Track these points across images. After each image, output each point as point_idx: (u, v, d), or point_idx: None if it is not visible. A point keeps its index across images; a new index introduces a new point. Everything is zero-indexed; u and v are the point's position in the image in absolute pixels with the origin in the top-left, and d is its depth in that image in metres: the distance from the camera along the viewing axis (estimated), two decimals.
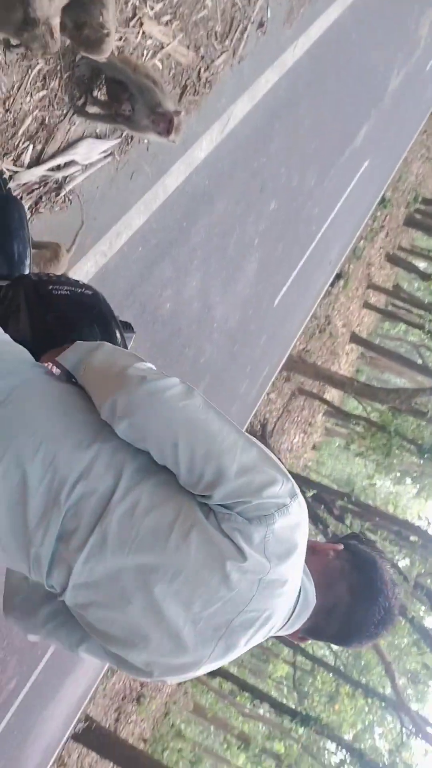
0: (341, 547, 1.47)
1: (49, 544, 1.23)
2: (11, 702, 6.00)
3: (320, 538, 14.49)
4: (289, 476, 1.27)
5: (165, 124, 3.03)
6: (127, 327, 2.79)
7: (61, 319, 2.17)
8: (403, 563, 17.29)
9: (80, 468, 1.23)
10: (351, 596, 1.40)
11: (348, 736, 18.13)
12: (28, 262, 2.58)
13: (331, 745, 18.70)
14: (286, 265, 8.65)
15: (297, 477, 14.47)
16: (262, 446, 1.30)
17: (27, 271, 2.57)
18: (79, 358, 1.41)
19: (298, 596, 1.33)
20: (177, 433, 1.21)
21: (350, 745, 17.10)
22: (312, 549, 1.41)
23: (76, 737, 10.75)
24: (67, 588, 1.25)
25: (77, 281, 2.36)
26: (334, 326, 17.80)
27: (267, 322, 8.91)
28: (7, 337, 1.50)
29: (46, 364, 1.64)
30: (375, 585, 1.41)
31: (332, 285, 14.89)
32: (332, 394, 20.08)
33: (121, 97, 3.35)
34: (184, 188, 5.07)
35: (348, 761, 17.54)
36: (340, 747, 17.45)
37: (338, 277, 15.26)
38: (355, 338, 19.89)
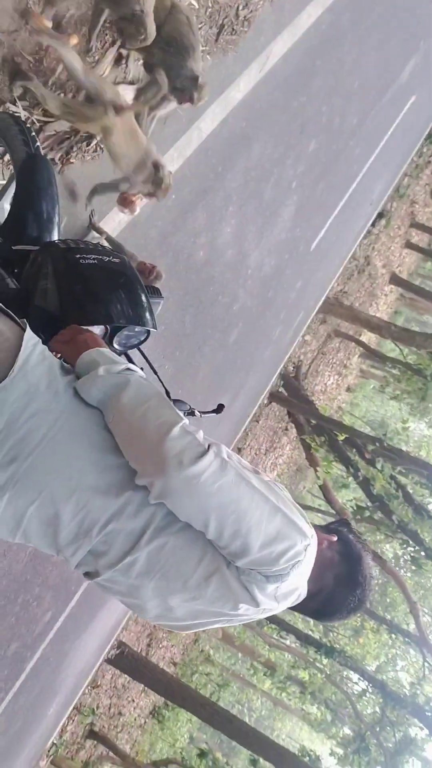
0: (335, 538, 1.57)
1: (78, 557, 1.36)
2: (47, 632, 6.32)
3: (350, 481, 14.51)
4: (307, 528, 1.37)
5: (185, 101, 3.06)
6: (155, 292, 2.78)
7: (89, 289, 2.17)
8: None
9: (111, 511, 1.31)
10: (334, 584, 1.53)
11: (371, 668, 18.69)
12: (56, 219, 2.57)
13: (354, 676, 19.27)
14: (325, 207, 8.42)
15: (330, 420, 14.49)
16: (285, 504, 1.37)
17: (56, 231, 2.56)
18: (105, 393, 1.37)
19: None
20: (208, 516, 1.28)
21: (372, 676, 17.63)
22: None
23: (109, 661, 11.30)
24: (90, 577, 1.39)
25: (104, 248, 2.34)
26: (374, 267, 17.41)
27: (303, 266, 8.76)
28: (40, 349, 1.44)
29: (56, 354, 1.62)
30: (356, 578, 1.55)
31: (373, 224, 14.47)
32: (369, 336, 19.81)
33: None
34: (220, 132, 4.92)
35: (370, 691, 18.10)
36: (362, 678, 18.00)
37: (380, 216, 14.80)
38: (395, 279, 19.44)
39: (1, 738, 6.72)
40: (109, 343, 2.17)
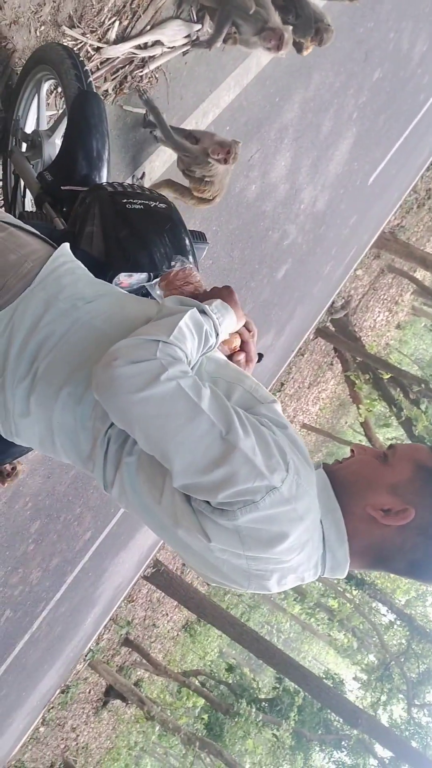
0: (412, 515, 1.22)
1: (98, 476, 1.34)
2: (87, 549, 6.63)
3: (392, 420, 14.44)
4: (273, 473, 1.14)
5: (276, 41, 3.10)
6: (200, 238, 2.77)
7: (134, 235, 2.17)
8: None
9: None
10: (410, 571, 1.29)
11: (400, 602, 19.10)
12: (106, 156, 2.56)
13: (383, 608, 19.74)
14: (387, 139, 8.07)
15: (375, 359, 14.35)
16: (257, 442, 1.16)
17: (106, 168, 2.55)
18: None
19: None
20: (131, 426, 1.18)
21: (401, 610, 18.03)
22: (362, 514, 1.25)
23: (146, 578, 11.83)
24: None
25: (151, 193, 2.32)
26: None
27: (359, 201, 8.49)
28: (69, 266, 1.47)
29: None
30: None
31: None
32: (423, 274, 19.24)
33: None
34: (279, 60, 4.71)
35: (397, 623, 18.55)
36: (390, 610, 18.44)
37: None
38: None
39: (44, 641, 7.18)
40: (152, 288, 2.20)
